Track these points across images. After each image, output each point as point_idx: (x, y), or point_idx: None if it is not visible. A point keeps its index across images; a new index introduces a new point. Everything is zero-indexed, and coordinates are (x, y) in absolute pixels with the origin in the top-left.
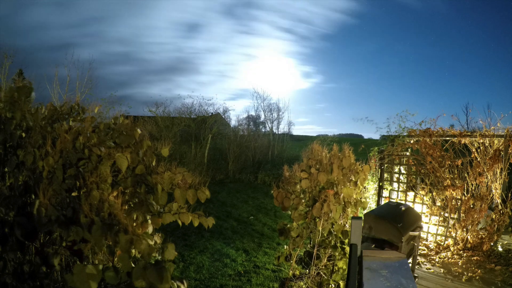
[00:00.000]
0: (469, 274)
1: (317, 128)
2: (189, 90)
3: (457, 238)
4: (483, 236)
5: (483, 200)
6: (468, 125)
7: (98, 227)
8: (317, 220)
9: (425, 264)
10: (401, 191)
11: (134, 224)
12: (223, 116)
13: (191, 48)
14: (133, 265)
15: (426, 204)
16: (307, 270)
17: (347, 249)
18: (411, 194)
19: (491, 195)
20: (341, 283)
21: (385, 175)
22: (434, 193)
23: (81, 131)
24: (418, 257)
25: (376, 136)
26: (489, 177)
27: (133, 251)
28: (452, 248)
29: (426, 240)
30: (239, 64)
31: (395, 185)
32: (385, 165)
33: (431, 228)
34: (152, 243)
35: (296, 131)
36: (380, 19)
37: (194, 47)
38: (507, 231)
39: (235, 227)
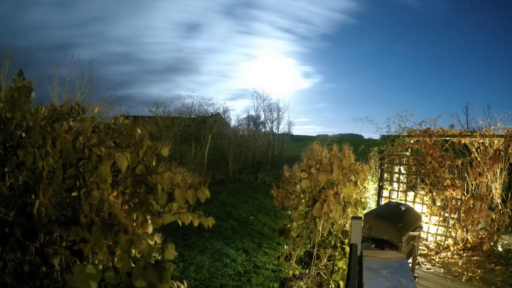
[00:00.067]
0: (469, 274)
1: (317, 128)
2: (189, 90)
3: (457, 238)
4: (483, 236)
5: (483, 200)
6: (468, 125)
7: (98, 227)
8: (317, 220)
9: (425, 264)
10: (401, 191)
11: (134, 224)
12: (223, 116)
13: (191, 48)
14: (133, 265)
15: (426, 204)
16: (307, 270)
17: (347, 249)
18: (411, 194)
19: (491, 195)
20: (341, 283)
21: (385, 175)
22: (434, 193)
23: (81, 131)
24: (418, 257)
25: (376, 136)
26: (489, 177)
27: (133, 251)
28: (452, 248)
29: (426, 240)
30: (239, 64)
31: (395, 185)
32: (385, 165)
33: (431, 228)
34: (152, 243)
35: (296, 131)
36: (380, 19)
37: (194, 47)
38: (507, 231)
39: (235, 227)
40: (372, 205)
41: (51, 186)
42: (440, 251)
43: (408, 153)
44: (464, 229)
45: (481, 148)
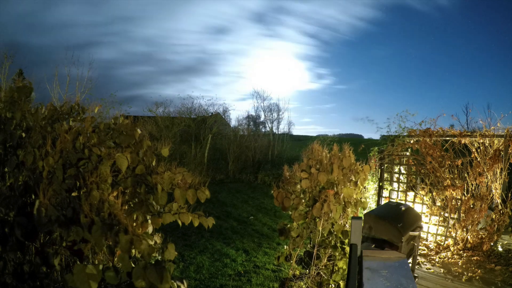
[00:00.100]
0: (469, 274)
1: (319, 128)
2: (202, 91)
3: (457, 238)
4: (483, 236)
5: (483, 200)
6: (468, 125)
7: (98, 227)
8: (317, 220)
9: (425, 264)
10: (401, 191)
11: (134, 224)
12: (223, 116)
13: (214, 50)
14: (133, 265)
15: (426, 204)
16: (307, 270)
17: (347, 249)
18: (411, 194)
19: (491, 195)
20: (341, 283)
21: (385, 175)
22: (434, 193)
23: (81, 131)
24: (418, 257)
25: (376, 136)
26: (489, 177)
27: (133, 251)
28: (452, 248)
29: (426, 240)
30: (256, 66)
31: (395, 185)
32: (385, 165)
33: (431, 228)
34: (152, 243)
35: (299, 131)
36: (392, 26)
37: (218, 49)
38: (507, 231)
39: (235, 227)
40: (372, 205)
41: (51, 186)
42: (440, 251)
43: (408, 153)
44: (464, 229)
45: (481, 148)
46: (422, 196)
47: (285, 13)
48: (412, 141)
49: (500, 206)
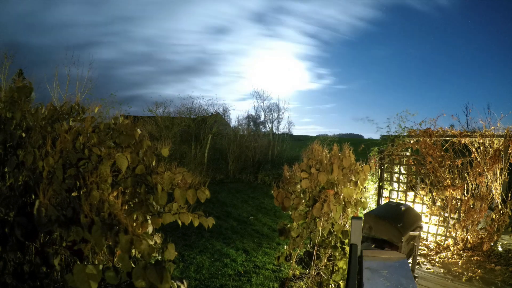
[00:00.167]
0: (469, 274)
1: (319, 128)
2: (202, 91)
3: (457, 238)
4: (483, 236)
5: (483, 200)
6: (468, 125)
7: (98, 227)
8: (317, 220)
9: (425, 264)
10: (401, 191)
11: (134, 224)
12: (223, 116)
13: (214, 50)
14: (133, 265)
15: (426, 204)
16: (307, 270)
17: (347, 249)
18: (411, 194)
19: (491, 195)
20: (341, 283)
21: (385, 175)
22: (434, 193)
23: (81, 131)
24: (418, 257)
25: (376, 136)
26: (489, 177)
27: (133, 251)
28: (452, 248)
29: (426, 240)
30: (256, 66)
31: (395, 185)
32: (385, 165)
33: (431, 228)
34: (152, 243)
35: (299, 131)
36: (391, 25)
37: (217, 49)
38: (507, 231)
39: (235, 227)
40: (372, 205)
41: (51, 186)
42: (440, 251)
43: (408, 153)
44: (464, 229)
45: (481, 148)
46: (422, 196)
47: (285, 13)
48: (412, 141)
49: (500, 206)
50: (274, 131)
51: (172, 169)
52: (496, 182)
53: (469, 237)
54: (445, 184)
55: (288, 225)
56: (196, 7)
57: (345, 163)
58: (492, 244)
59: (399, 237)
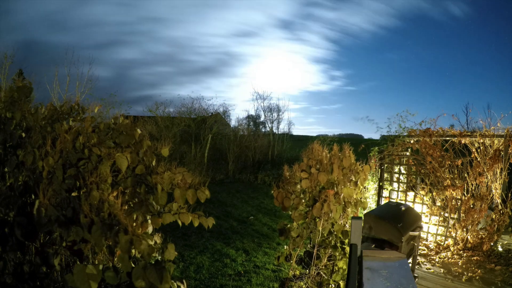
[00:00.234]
0: (469, 274)
1: (322, 128)
2: (215, 91)
3: (457, 238)
4: (483, 236)
5: (483, 200)
6: (468, 125)
7: (98, 227)
8: (317, 220)
9: (425, 264)
10: (401, 191)
11: (134, 224)
12: (223, 116)
13: (236, 52)
14: (133, 265)
15: (426, 204)
16: (307, 270)
17: (347, 249)
18: (411, 194)
19: (491, 195)
20: (341, 283)
21: (385, 175)
22: (434, 193)
23: (81, 131)
24: (418, 257)
25: (376, 136)
26: (489, 177)
27: (133, 251)
28: (452, 248)
29: (426, 240)
30: (274, 68)
31: (395, 185)
32: (385, 165)
33: (431, 228)
34: (152, 243)
35: (301, 131)
36: (406, 31)
37: (239, 51)
38: (507, 231)
39: (235, 227)
40: (372, 205)
41: (51, 186)
42: (440, 251)
43: (408, 153)
44: (464, 229)
45: (481, 148)
46: (422, 196)
47: (312, 20)
48: (412, 141)
49: (500, 206)
50: (274, 131)
51: (172, 169)
52: (496, 182)
53: (469, 237)
54: (445, 184)
55: (288, 225)
56: (228, 14)
57: (345, 163)
58: (492, 244)
59: (399, 237)
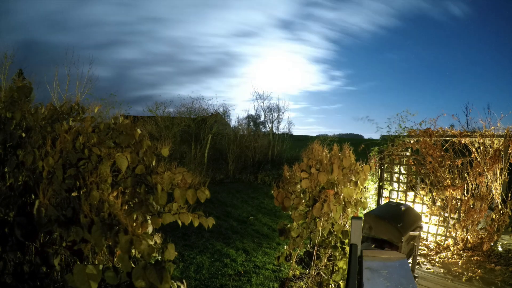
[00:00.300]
0: (469, 274)
1: (322, 128)
2: (215, 91)
3: (457, 238)
4: (483, 236)
5: (483, 200)
6: (468, 125)
7: (98, 227)
8: (317, 220)
9: (425, 264)
10: (401, 191)
11: (134, 224)
12: (223, 116)
13: (236, 52)
14: (133, 265)
15: (426, 204)
16: (307, 270)
17: (347, 249)
18: (411, 194)
19: (491, 195)
20: (341, 283)
21: (385, 175)
22: (434, 193)
23: (81, 131)
24: (418, 257)
25: (376, 136)
26: (489, 177)
27: (133, 251)
28: (452, 248)
29: (426, 240)
30: (274, 68)
31: (395, 185)
32: (385, 165)
33: (431, 228)
34: (152, 243)
35: (301, 131)
36: (407, 31)
37: (239, 51)
38: (507, 231)
39: (235, 227)
40: (372, 205)
41: (51, 186)
42: (440, 251)
43: (408, 153)
44: (464, 229)
45: (481, 148)
46: (422, 196)
47: (312, 20)
48: (412, 141)
49: (500, 206)
50: (274, 131)
51: (172, 169)
52: (496, 182)
53: (469, 237)
54: (445, 184)
55: (288, 225)
56: (228, 14)
57: (345, 163)
58: (492, 244)
59: (399, 237)
